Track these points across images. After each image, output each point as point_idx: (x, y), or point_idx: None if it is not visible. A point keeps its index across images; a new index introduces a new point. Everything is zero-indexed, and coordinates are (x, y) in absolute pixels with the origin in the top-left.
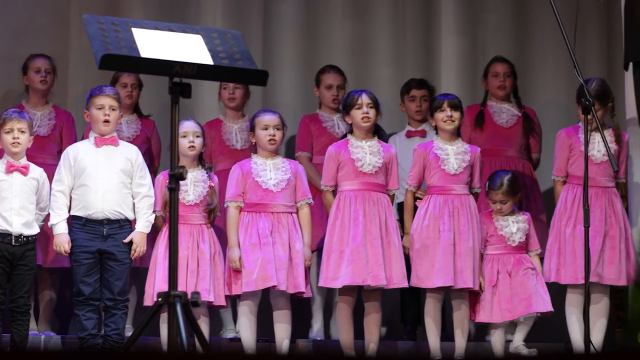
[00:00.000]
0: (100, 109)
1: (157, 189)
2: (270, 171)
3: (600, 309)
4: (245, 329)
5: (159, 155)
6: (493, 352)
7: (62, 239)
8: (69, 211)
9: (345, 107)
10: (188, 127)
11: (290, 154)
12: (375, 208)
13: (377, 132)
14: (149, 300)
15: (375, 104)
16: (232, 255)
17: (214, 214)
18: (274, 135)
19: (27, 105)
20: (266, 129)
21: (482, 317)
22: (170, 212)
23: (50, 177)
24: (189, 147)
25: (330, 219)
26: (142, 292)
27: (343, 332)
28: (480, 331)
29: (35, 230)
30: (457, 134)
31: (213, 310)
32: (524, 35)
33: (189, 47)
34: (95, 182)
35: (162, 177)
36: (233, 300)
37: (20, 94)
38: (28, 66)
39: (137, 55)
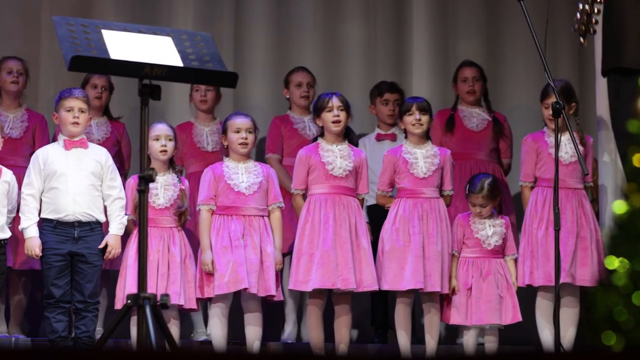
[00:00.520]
0: (69, 111)
1: (128, 193)
2: (242, 174)
3: (571, 313)
4: (216, 331)
5: (129, 158)
6: (465, 354)
7: (33, 242)
8: (40, 214)
9: (316, 109)
10: (161, 130)
11: (260, 156)
12: (345, 212)
13: (348, 134)
14: (120, 303)
15: (346, 107)
16: (205, 258)
17: (185, 217)
18: (245, 139)
19: (0, 107)
20: (238, 131)
21: (456, 319)
22: (139, 214)
23: (22, 180)
24: (161, 151)
25: (300, 222)
26: (112, 295)
27: (313, 334)
28: (451, 334)
29: (7, 234)
30: (426, 137)
31: (184, 314)
32: (495, 39)
33: (158, 49)
34: (66, 185)
35: (133, 180)
36: (204, 304)
37: None
38: (0, 68)
39: (106, 57)
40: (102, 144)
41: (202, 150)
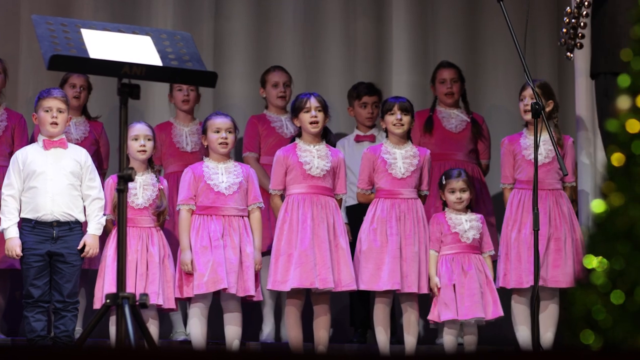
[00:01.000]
0: (47, 111)
1: (107, 192)
2: (222, 174)
3: (548, 315)
4: (195, 331)
5: (107, 158)
6: (445, 352)
7: (13, 243)
8: (19, 214)
9: (294, 110)
10: (140, 130)
11: (238, 155)
12: (324, 211)
13: (325, 134)
14: (98, 302)
15: (324, 107)
16: (184, 258)
17: (163, 217)
18: (225, 139)
19: None
20: (218, 131)
21: (447, 315)
22: (118, 214)
23: (2, 180)
24: (140, 151)
25: (278, 222)
26: (91, 295)
27: (292, 334)
28: (430, 334)
29: None
30: (407, 137)
31: (163, 314)
32: (475, 39)
33: (138, 48)
34: (45, 185)
35: (112, 180)
36: (183, 304)
37: None
38: None
39: (86, 56)
40: (80, 143)
41: (181, 150)
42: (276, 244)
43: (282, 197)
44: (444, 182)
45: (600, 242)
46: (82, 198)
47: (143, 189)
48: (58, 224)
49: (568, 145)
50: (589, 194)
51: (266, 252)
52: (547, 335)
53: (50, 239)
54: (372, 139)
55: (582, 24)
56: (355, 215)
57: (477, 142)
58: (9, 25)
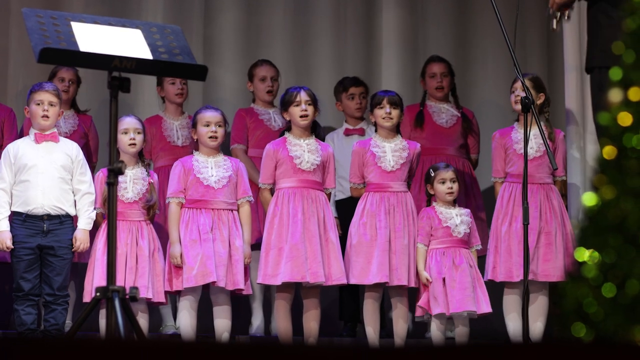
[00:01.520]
0: (38, 104)
1: (97, 186)
2: (212, 168)
3: (538, 308)
4: (185, 324)
5: (97, 151)
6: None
7: (3, 235)
8: (10, 207)
9: (284, 103)
10: (129, 123)
11: (225, 147)
12: (314, 205)
13: (315, 128)
14: (88, 296)
15: (314, 101)
16: (173, 252)
17: (153, 211)
18: (215, 132)
19: None
20: (208, 125)
21: (437, 309)
22: (108, 207)
23: None
24: (130, 144)
25: (268, 216)
26: (81, 288)
27: (281, 328)
28: (419, 328)
29: None
30: (396, 130)
31: (153, 307)
32: (465, 34)
33: (128, 42)
34: (36, 178)
35: (102, 173)
36: (173, 297)
37: None
38: None
39: (76, 49)
40: (69, 136)
41: (172, 144)
42: (266, 238)
43: (272, 191)
44: (432, 174)
45: (592, 235)
46: (72, 192)
47: (133, 182)
48: (49, 217)
49: (559, 139)
50: (579, 187)
51: (255, 246)
52: (537, 326)
53: (40, 232)
54: (362, 132)
55: None
56: (345, 209)
57: (467, 136)
58: None
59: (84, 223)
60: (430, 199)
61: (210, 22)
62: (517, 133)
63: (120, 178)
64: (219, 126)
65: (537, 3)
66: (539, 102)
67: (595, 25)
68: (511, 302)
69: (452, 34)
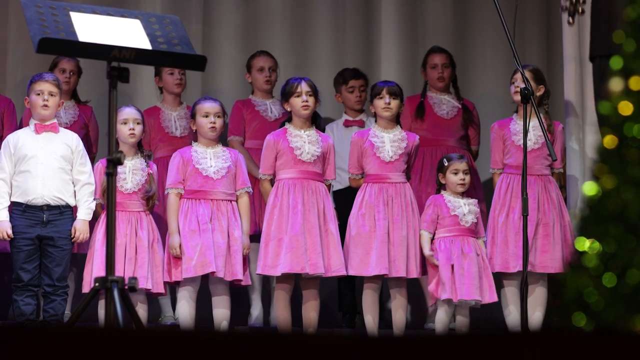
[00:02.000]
0: (39, 94)
1: (96, 176)
2: (211, 159)
3: (537, 299)
4: (184, 314)
5: (97, 142)
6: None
7: (3, 225)
8: (9, 197)
9: (285, 94)
10: (129, 113)
11: (223, 139)
12: (314, 197)
13: (315, 119)
14: (87, 286)
15: (315, 92)
16: (172, 242)
17: (152, 202)
18: (214, 123)
19: None
20: (207, 116)
21: (443, 295)
22: (107, 198)
23: None
24: (129, 135)
25: (268, 206)
26: (80, 279)
27: (281, 318)
28: (418, 319)
29: None
30: (396, 121)
31: (151, 298)
32: (464, 26)
33: (127, 32)
34: (35, 168)
35: (101, 164)
36: (172, 288)
37: None
38: None
39: (75, 39)
40: (70, 127)
41: (170, 135)
42: (266, 229)
43: (272, 181)
44: (445, 164)
45: (592, 224)
46: (72, 182)
47: (132, 173)
48: (48, 207)
49: (558, 131)
50: (578, 178)
51: (254, 237)
52: (536, 316)
53: (40, 222)
54: (361, 124)
55: None
56: (343, 200)
57: (467, 128)
58: None
59: (84, 213)
60: (440, 188)
61: (208, 12)
62: (516, 124)
63: (120, 169)
64: (218, 117)
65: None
66: (538, 93)
67: (597, 13)
68: (510, 293)
69: (452, 25)
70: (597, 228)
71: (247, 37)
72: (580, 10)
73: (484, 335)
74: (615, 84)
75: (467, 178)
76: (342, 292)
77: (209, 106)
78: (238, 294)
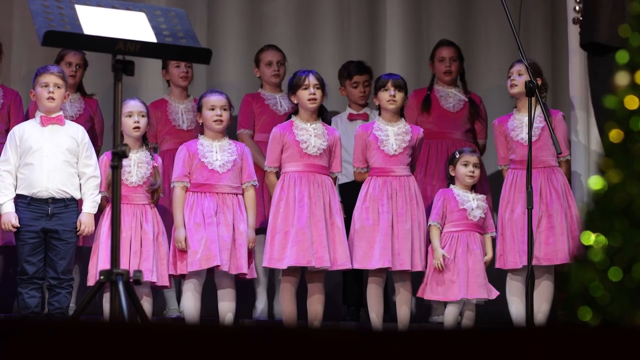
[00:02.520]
0: (44, 86)
1: (101, 169)
2: (217, 152)
3: (543, 292)
4: (189, 307)
5: (102, 135)
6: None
7: (8, 217)
8: (15, 189)
9: (292, 87)
10: (133, 106)
11: (232, 132)
12: (320, 190)
13: (322, 113)
14: (92, 279)
15: (322, 85)
16: (178, 235)
17: (157, 195)
18: (220, 116)
19: None
20: (213, 109)
21: (431, 295)
22: (112, 190)
23: None
24: (134, 128)
25: (274, 200)
26: (85, 272)
27: (286, 311)
28: (423, 312)
29: None
30: (400, 114)
31: (156, 291)
32: (468, 19)
33: (132, 25)
34: (41, 161)
35: (106, 157)
36: (177, 281)
37: None
38: None
39: (80, 32)
40: (75, 120)
41: (177, 128)
42: (272, 222)
43: (277, 174)
44: (457, 156)
45: (598, 218)
46: (78, 175)
47: (137, 166)
48: (53, 200)
49: (557, 120)
50: (583, 171)
51: (259, 230)
52: (542, 310)
53: (45, 215)
54: (365, 117)
55: None
56: (348, 193)
57: (474, 122)
58: (1, 2)
59: (89, 206)
60: (450, 181)
61: (213, 5)
62: (515, 120)
63: (125, 162)
64: (224, 110)
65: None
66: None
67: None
68: (515, 287)
69: (456, 18)
70: (603, 222)
71: (252, 30)
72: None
73: (488, 329)
74: (621, 78)
75: (477, 172)
76: (348, 285)
77: (215, 99)
78: (243, 287)
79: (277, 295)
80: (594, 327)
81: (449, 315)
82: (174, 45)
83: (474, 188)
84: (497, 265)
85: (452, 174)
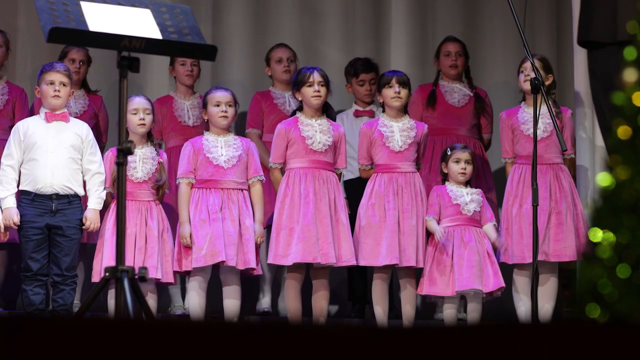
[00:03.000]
0: (50, 84)
1: (106, 166)
2: (222, 148)
3: (548, 289)
4: (194, 304)
5: (107, 131)
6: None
7: (10, 212)
8: (18, 185)
9: (296, 83)
10: (139, 103)
11: (240, 131)
12: (325, 186)
13: (326, 109)
14: (97, 276)
15: (326, 82)
16: (183, 232)
17: (163, 191)
18: (225, 112)
19: None
20: (218, 105)
21: (429, 290)
22: (117, 187)
23: (1, 152)
24: (139, 124)
25: (279, 196)
26: (90, 269)
27: (291, 308)
28: (428, 309)
29: None
30: (404, 111)
31: (161, 287)
32: (473, 15)
33: (137, 22)
34: (45, 157)
35: (111, 153)
36: (182, 278)
37: None
38: None
39: (85, 29)
40: (80, 117)
41: (183, 124)
42: (277, 218)
43: (282, 170)
44: (448, 153)
45: (606, 215)
46: (82, 172)
47: (142, 162)
48: (57, 197)
49: (567, 117)
50: (587, 168)
51: (266, 227)
52: (546, 307)
53: (49, 212)
54: (371, 114)
55: None
56: (354, 189)
57: (479, 116)
58: None
59: (94, 203)
60: (444, 178)
61: (218, 2)
62: (524, 113)
63: (130, 158)
64: (230, 106)
65: None
66: (547, 82)
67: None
68: (521, 284)
69: (462, 14)
70: (611, 219)
71: (257, 27)
72: None
73: (493, 326)
74: (630, 75)
75: (469, 168)
76: (353, 282)
77: (220, 95)
78: (248, 282)
79: (282, 291)
80: (602, 324)
81: (448, 314)
82: (179, 42)
83: (468, 183)
84: (502, 259)
85: (445, 171)
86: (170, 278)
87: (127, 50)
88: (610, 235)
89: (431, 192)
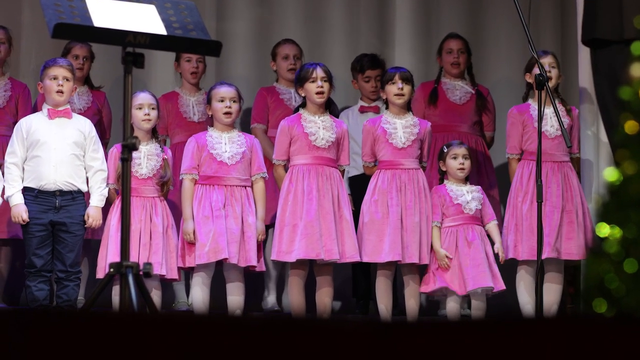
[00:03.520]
0: (53, 79)
1: (110, 162)
2: (226, 144)
3: (554, 287)
4: (197, 300)
5: (110, 128)
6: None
7: (19, 209)
8: (22, 181)
9: (300, 79)
10: (144, 99)
11: (245, 127)
12: (328, 183)
13: (329, 105)
14: (101, 272)
15: (330, 78)
16: (186, 228)
17: (167, 187)
18: (230, 108)
19: None
20: (222, 101)
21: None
22: (122, 183)
23: (5, 149)
24: (144, 120)
25: (282, 193)
26: (94, 265)
27: (295, 304)
28: (432, 306)
29: None
30: (407, 107)
31: (165, 284)
32: (477, 12)
33: (142, 17)
34: (48, 154)
35: (116, 149)
36: (186, 274)
37: None
38: None
39: (90, 25)
40: (83, 113)
41: (188, 120)
42: (280, 215)
43: (286, 167)
44: (445, 150)
45: (614, 210)
46: (84, 168)
47: (147, 158)
48: (61, 193)
49: (576, 115)
50: (592, 164)
51: (269, 225)
52: (551, 303)
53: (52, 208)
54: (377, 110)
55: None
56: (358, 186)
57: (481, 114)
58: None
59: (97, 200)
60: (442, 177)
61: None
62: (536, 110)
63: (135, 154)
64: (234, 102)
65: None
66: (559, 80)
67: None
68: (526, 280)
69: (466, 11)
70: (618, 214)
71: (261, 23)
72: None
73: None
74: (637, 70)
75: (467, 163)
76: (357, 278)
77: (225, 91)
78: (252, 280)
79: (286, 288)
80: (610, 318)
81: (451, 307)
82: (183, 37)
83: (467, 180)
84: (511, 255)
85: (443, 168)
86: (174, 274)
87: (131, 46)
88: (618, 230)
89: (432, 194)
